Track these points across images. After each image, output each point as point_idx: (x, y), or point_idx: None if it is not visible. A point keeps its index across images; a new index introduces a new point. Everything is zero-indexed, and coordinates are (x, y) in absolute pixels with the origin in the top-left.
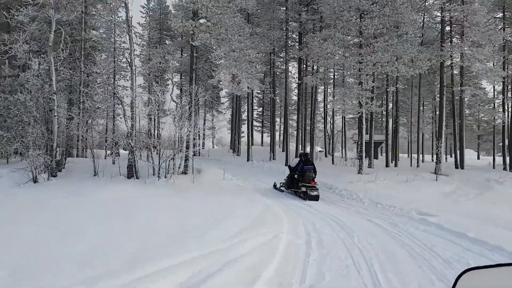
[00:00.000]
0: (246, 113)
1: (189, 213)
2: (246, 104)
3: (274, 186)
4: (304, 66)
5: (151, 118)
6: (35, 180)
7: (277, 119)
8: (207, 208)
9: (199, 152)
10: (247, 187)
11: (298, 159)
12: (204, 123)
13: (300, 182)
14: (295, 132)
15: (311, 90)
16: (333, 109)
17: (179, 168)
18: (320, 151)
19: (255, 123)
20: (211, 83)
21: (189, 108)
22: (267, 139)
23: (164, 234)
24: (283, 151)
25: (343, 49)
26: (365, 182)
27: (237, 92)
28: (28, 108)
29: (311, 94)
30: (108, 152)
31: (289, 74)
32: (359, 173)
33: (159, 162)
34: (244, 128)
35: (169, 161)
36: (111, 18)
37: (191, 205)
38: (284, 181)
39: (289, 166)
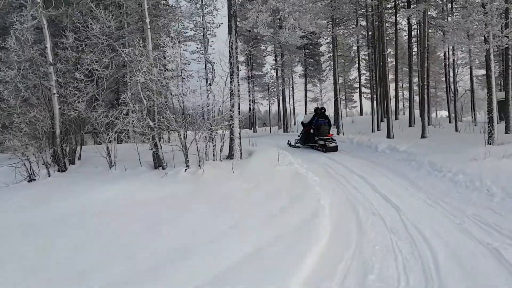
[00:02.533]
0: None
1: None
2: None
3: (289, 143)
4: None
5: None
6: (30, 179)
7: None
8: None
9: (286, 128)
10: (309, 176)
11: (311, 115)
12: (306, 94)
13: (316, 136)
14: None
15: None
16: (453, 60)
17: (220, 151)
18: (446, 116)
19: (363, 89)
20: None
21: (230, 65)
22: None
23: None
24: (396, 119)
25: None
26: (498, 158)
27: (286, 39)
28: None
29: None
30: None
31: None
32: (488, 143)
33: (184, 145)
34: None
35: (203, 143)
36: None
37: (187, 222)
38: (299, 137)
39: (302, 123)
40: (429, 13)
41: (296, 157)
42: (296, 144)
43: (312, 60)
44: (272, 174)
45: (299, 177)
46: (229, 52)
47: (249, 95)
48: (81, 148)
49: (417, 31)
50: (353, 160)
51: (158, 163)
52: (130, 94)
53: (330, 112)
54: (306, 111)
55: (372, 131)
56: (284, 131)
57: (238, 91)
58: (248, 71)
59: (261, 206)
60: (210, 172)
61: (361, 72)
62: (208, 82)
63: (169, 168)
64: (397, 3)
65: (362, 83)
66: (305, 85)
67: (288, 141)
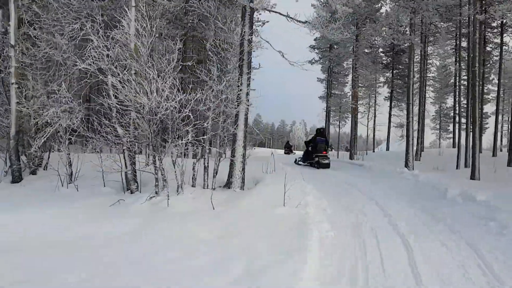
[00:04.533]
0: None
1: None
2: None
3: (296, 161)
4: None
5: None
6: None
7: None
8: None
9: (351, 154)
10: (319, 230)
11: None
12: (390, 119)
13: (313, 154)
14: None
15: None
16: None
17: (214, 176)
18: None
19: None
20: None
21: (240, 59)
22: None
23: None
24: (493, 155)
25: None
26: None
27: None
28: None
29: None
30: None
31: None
32: None
33: (154, 163)
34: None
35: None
36: None
37: None
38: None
39: (305, 142)
40: None
41: (323, 195)
42: (299, 162)
43: (400, 82)
44: (264, 220)
45: (302, 233)
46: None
47: (327, 115)
48: (49, 156)
49: None
50: (407, 209)
51: (127, 184)
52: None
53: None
54: (388, 137)
55: (457, 168)
56: (350, 158)
57: (248, 95)
58: (327, 89)
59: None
60: (180, 205)
61: (459, 100)
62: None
63: (137, 194)
64: (504, 21)
65: (458, 112)
66: (390, 109)
67: (295, 159)
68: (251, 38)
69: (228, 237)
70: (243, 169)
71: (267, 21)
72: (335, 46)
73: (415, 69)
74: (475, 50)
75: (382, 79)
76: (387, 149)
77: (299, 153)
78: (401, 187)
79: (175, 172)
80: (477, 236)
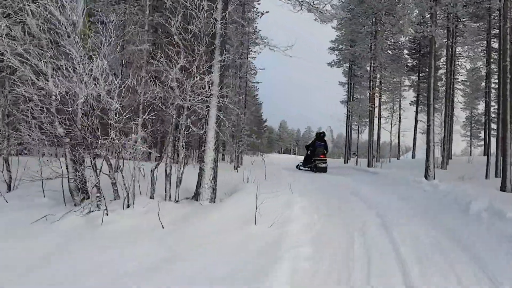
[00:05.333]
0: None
1: None
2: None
3: (297, 166)
4: None
5: None
6: None
7: None
8: None
9: (369, 161)
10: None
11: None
12: (416, 125)
13: (312, 157)
14: None
15: None
16: None
17: (177, 186)
18: None
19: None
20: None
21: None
22: None
23: None
24: None
25: None
26: None
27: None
28: None
29: None
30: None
31: None
32: None
33: (94, 167)
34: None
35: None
36: None
37: None
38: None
39: (305, 146)
40: None
41: (316, 208)
42: (300, 167)
43: (427, 85)
44: (224, 244)
45: (270, 263)
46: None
47: (347, 120)
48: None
49: None
50: (418, 227)
51: (71, 194)
52: None
53: (409, 139)
54: (414, 144)
55: (486, 177)
56: (368, 165)
57: (221, 87)
58: (348, 93)
59: None
60: (121, 223)
61: (489, 104)
62: None
63: (81, 207)
64: None
65: (488, 117)
66: (416, 114)
67: (297, 163)
68: (226, 16)
69: (162, 270)
70: (214, 177)
71: (267, 11)
72: (353, 46)
73: (442, 71)
74: (506, 42)
75: (407, 82)
76: (413, 156)
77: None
78: (416, 199)
79: (113, 179)
80: (507, 265)
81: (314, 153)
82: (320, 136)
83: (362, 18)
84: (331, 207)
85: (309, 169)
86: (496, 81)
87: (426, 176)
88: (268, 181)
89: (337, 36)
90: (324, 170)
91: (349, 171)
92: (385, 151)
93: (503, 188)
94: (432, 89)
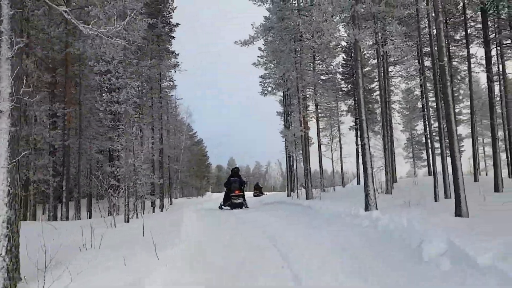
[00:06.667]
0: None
1: None
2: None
3: (220, 206)
4: None
5: None
6: None
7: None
8: None
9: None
10: None
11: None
12: (358, 149)
13: (229, 194)
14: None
15: None
16: None
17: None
18: None
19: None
20: None
21: None
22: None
23: None
24: (475, 181)
25: None
26: None
27: None
28: None
29: None
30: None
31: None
32: None
33: None
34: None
35: None
36: None
37: None
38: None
39: (224, 184)
40: None
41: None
42: (222, 207)
43: (356, 98)
44: None
45: None
46: None
47: (286, 150)
48: None
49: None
50: None
51: None
52: None
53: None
54: (358, 169)
55: (435, 200)
56: (307, 197)
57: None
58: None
59: None
60: None
61: (429, 122)
62: None
63: None
64: (468, 31)
65: (429, 136)
66: (356, 138)
67: (220, 203)
68: None
69: None
70: (10, 249)
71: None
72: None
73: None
74: (441, 39)
75: (344, 107)
76: (358, 182)
77: (270, 195)
78: (351, 242)
79: None
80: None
81: (230, 189)
82: (234, 171)
83: (283, 33)
84: (227, 264)
85: (229, 207)
86: (433, 98)
87: (366, 206)
88: (158, 233)
89: (258, 56)
90: (240, 206)
91: (282, 206)
92: (330, 179)
93: (458, 213)
94: (363, 102)
